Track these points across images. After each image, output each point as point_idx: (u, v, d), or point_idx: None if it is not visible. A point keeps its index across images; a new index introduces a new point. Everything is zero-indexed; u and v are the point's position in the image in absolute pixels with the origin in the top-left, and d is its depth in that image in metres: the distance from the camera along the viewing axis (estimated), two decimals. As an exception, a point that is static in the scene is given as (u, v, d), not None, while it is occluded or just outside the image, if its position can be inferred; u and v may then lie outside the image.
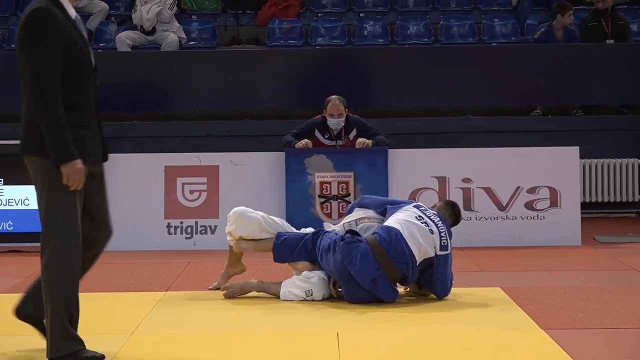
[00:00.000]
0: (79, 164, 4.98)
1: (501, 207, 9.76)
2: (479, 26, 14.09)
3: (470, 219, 9.73)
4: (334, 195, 9.58)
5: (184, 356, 5.41)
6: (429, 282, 6.87)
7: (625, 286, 7.43)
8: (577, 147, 9.99)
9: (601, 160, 12.18)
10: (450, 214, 7.19)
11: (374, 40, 13.84)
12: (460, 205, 9.66)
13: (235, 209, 7.20)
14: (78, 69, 5.04)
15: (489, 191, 9.78)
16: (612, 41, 12.82)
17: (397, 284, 6.81)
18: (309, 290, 6.80)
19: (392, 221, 6.79)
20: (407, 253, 6.64)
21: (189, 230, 9.80)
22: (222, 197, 9.81)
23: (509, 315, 6.36)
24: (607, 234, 10.42)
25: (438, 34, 13.98)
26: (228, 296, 7.01)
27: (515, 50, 12.87)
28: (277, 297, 6.90)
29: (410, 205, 6.97)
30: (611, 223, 11.59)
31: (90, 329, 6.12)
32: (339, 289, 6.80)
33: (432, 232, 6.77)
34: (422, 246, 6.70)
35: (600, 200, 12.19)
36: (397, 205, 7.03)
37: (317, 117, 10.00)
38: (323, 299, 6.82)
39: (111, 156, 10.03)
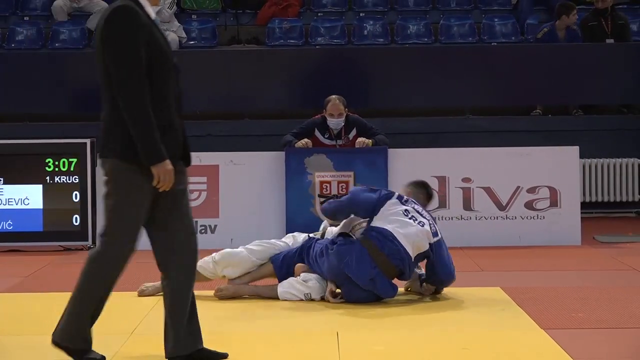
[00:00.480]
0: (169, 164, 4.84)
1: (501, 207, 9.76)
2: (479, 26, 14.09)
3: (470, 218, 9.73)
4: (334, 195, 9.57)
5: (183, 356, 5.40)
6: (432, 272, 6.86)
7: (625, 286, 7.43)
8: (577, 147, 9.99)
9: (601, 160, 12.18)
10: (424, 194, 7.18)
11: (374, 40, 13.84)
12: (460, 204, 9.75)
13: (215, 254, 7.20)
14: (160, 69, 4.90)
15: (488, 191, 9.77)
16: (612, 41, 12.81)
17: (396, 280, 6.81)
18: (307, 294, 6.81)
19: (382, 222, 6.76)
20: (401, 250, 6.64)
21: (188, 229, 9.78)
22: (222, 197, 9.81)
23: (509, 315, 6.37)
24: (607, 233, 10.42)
25: (438, 34, 13.97)
26: (220, 297, 7.02)
27: (515, 50, 12.87)
28: (272, 299, 6.90)
29: (394, 199, 6.89)
30: (611, 223, 11.59)
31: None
32: (340, 298, 6.77)
33: (422, 225, 6.75)
34: (415, 242, 6.70)
35: (600, 200, 12.19)
36: (381, 199, 6.95)
37: (317, 116, 9.99)
38: (321, 300, 6.82)
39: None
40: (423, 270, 7.02)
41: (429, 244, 6.77)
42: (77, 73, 12.20)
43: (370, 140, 9.67)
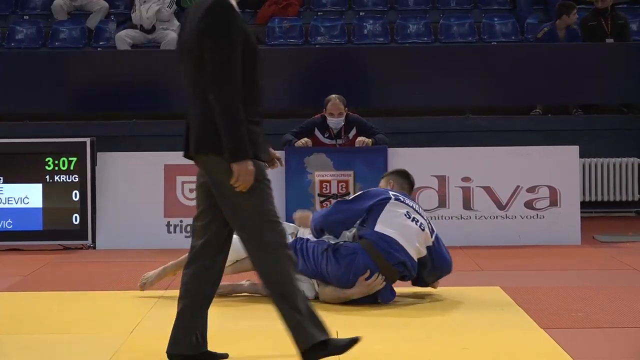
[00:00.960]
0: (250, 164, 4.76)
1: (501, 207, 9.76)
2: (479, 25, 14.09)
3: (470, 218, 9.73)
4: (333, 194, 9.57)
5: (183, 355, 5.40)
6: (432, 268, 6.84)
7: (625, 285, 7.43)
8: (577, 147, 9.99)
9: (601, 159, 12.18)
10: (408, 184, 7.13)
11: (373, 39, 13.84)
12: (460, 204, 9.76)
13: None
14: (250, 64, 4.83)
15: (488, 190, 9.78)
16: (611, 40, 12.81)
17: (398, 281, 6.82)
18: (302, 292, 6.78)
19: (385, 226, 6.70)
20: (406, 260, 6.63)
21: (188, 229, 9.79)
22: (221, 196, 9.80)
23: (509, 314, 6.36)
24: (607, 233, 10.42)
25: (438, 33, 13.97)
26: (217, 294, 7.01)
27: (515, 50, 12.86)
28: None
29: (393, 200, 6.77)
30: (611, 222, 11.59)
31: (90, 327, 6.13)
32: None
33: (422, 227, 6.72)
34: (417, 247, 6.70)
35: (600, 199, 12.19)
36: (377, 202, 6.86)
37: (317, 116, 9.99)
38: (315, 299, 6.81)
39: (111, 154, 10.15)
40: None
41: (427, 247, 6.77)
42: (77, 72, 12.21)
43: (370, 140, 9.67)
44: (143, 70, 12.39)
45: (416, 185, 9.68)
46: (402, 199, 6.80)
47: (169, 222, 9.81)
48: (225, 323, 6.24)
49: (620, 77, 12.23)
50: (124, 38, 13.33)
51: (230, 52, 4.74)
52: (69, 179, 9.73)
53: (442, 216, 9.52)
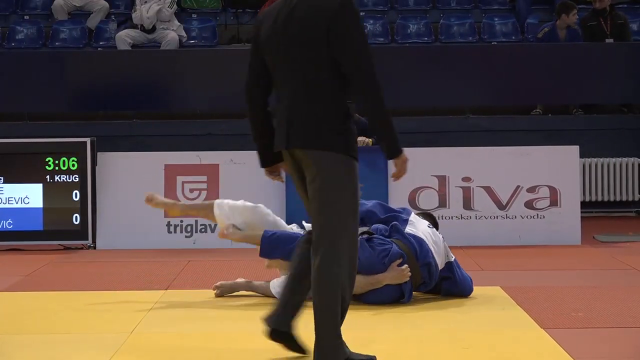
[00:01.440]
0: (405, 155, 4.94)
1: (501, 206, 9.77)
2: (479, 25, 14.09)
3: (470, 218, 9.73)
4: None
5: (183, 355, 5.41)
6: (452, 284, 6.87)
7: (625, 285, 7.43)
8: (577, 146, 9.99)
9: (601, 159, 12.18)
10: (432, 223, 7.16)
11: (374, 39, 13.83)
12: (460, 204, 9.76)
13: (250, 205, 7.12)
14: None
15: (489, 190, 9.78)
16: (611, 40, 12.82)
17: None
18: None
19: (413, 229, 6.80)
20: (432, 263, 6.69)
21: (188, 228, 9.80)
22: (222, 196, 9.76)
23: (509, 314, 6.37)
24: (607, 233, 10.42)
25: (438, 33, 13.97)
26: (218, 295, 7.02)
27: (515, 50, 12.85)
28: (266, 295, 6.89)
29: (414, 214, 6.99)
30: (611, 222, 11.60)
31: (91, 327, 6.14)
32: None
33: (444, 241, 6.85)
34: (442, 256, 6.78)
35: (600, 199, 12.19)
36: (400, 216, 6.96)
37: (317, 116, 9.98)
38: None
39: (112, 154, 10.15)
40: None
41: (447, 262, 6.84)
42: (77, 72, 12.20)
43: (370, 140, 9.67)
44: (143, 70, 12.39)
45: (416, 186, 9.76)
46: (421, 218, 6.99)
47: (169, 222, 9.81)
48: (224, 324, 6.25)
49: (620, 77, 12.22)
50: (124, 38, 13.33)
51: (370, 52, 4.83)
52: (69, 179, 9.73)
53: (442, 216, 9.51)
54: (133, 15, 13.51)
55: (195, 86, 12.22)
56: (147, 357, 5.39)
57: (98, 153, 9.85)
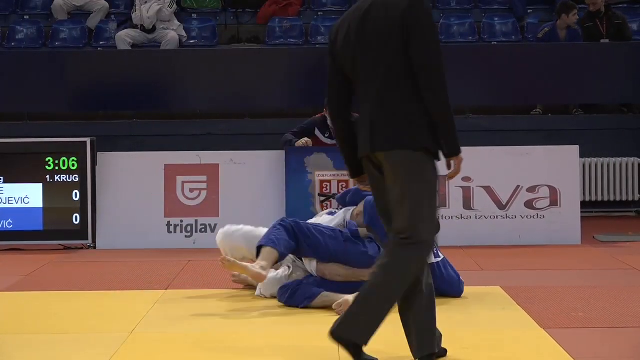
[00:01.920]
0: (461, 157, 5.08)
1: (501, 206, 9.76)
2: (479, 25, 14.08)
3: (470, 218, 9.73)
4: (333, 194, 9.58)
5: (183, 355, 5.41)
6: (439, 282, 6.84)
7: (625, 285, 7.43)
8: (577, 146, 9.99)
9: (601, 159, 12.18)
10: None
11: (374, 39, 13.81)
12: (460, 204, 9.75)
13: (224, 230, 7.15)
14: None
15: (489, 190, 9.78)
16: (606, 41, 12.82)
17: None
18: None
19: None
20: None
21: (189, 228, 9.80)
22: (222, 196, 9.82)
23: (509, 314, 6.37)
24: (607, 233, 10.42)
25: (438, 33, 13.96)
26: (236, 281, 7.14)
27: (515, 49, 12.86)
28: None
29: None
30: (611, 222, 11.59)
31: (90, 327, 6.14)
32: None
33: None
34: None
35: (600, 199, 12.19)
36: None
37: (317, 115, 9.99)
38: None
39: (112, 154, 10.15)
40: None
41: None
42: (77, 72, 12.21)
43: (370, 140, 9.67)
44: (143, 70, 12.39)
45: (416, 185, 9.76)
46: None
47: (169, 222, 9.81)
48: (225, 323, 6.25)
49: (620, 77, 12.22)
50: (124, 38, 13.33)
51: (439, 49, 4.87)
52: (69, 178, 9.73)
53: (442, 216, 9.50)
54: (133, 16, 13.51)
55: (195, 86, 12.22)
56: (147, 357, 5.39)
57: (98, 153, 9.85)
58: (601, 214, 12.15)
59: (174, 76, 12.35)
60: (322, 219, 7.21)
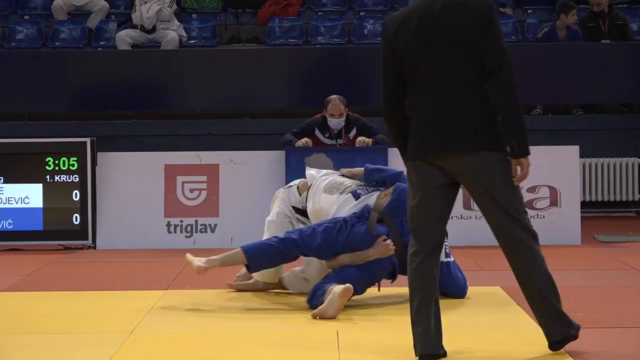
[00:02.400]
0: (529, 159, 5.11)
1: (501, 206, 9.75)
2: (479, 25, 14.08)
3: (470, 217, 9.73)
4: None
5: (183, 355, 5.41)
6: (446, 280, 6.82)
7: (624, 285, 7.42)
8: (577, 146, 9.99)
9: (601, 159, 12.18)
10: None
11: (374, 39, 13.83)
12: (460, 203, 9.74)
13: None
14: None
15: (488, 190, 9.76)
16: (607, 41, 12.82)
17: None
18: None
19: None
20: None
21: (188, 228, 9.80)
22: (222, 196, 9.82)
23: (509, 314, 6.37)
24: (607, 233, 10.42)
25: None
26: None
27: (515, 49, 12.83)
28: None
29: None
30: (611, 222, 11.59)
31: (90, 327, 6.14)
32: None
33: None
34: None
35: (600, 199, 12.19)
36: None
37: (317, 116, 10.00)
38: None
39: (112, 154, 10.16)
40: None
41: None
42: (77, 72, 12.21)
43: (370, 140, 9.68)
44: (143, 70, 12.40)
45: (416, 185, 9.75)
46: None
47: (169, 222, 9.82)
48: (225, 323, 6.25)
49: (620, 77, 12.23)
50: (125, 38, 13.33)
51: (509, 51, 4.96)
52: (69, 179, 9.73)
53: (442, 216, 9.50)
54: (133, 16, 13.51)
55: (195, 86, 12.23)
56: (147, 357, 5.39)
57: (98, 153, 9.85)
58: (601, 214, 12.15)
59: (174, 76, 12.35)
60: (346, 203, 7.04)
